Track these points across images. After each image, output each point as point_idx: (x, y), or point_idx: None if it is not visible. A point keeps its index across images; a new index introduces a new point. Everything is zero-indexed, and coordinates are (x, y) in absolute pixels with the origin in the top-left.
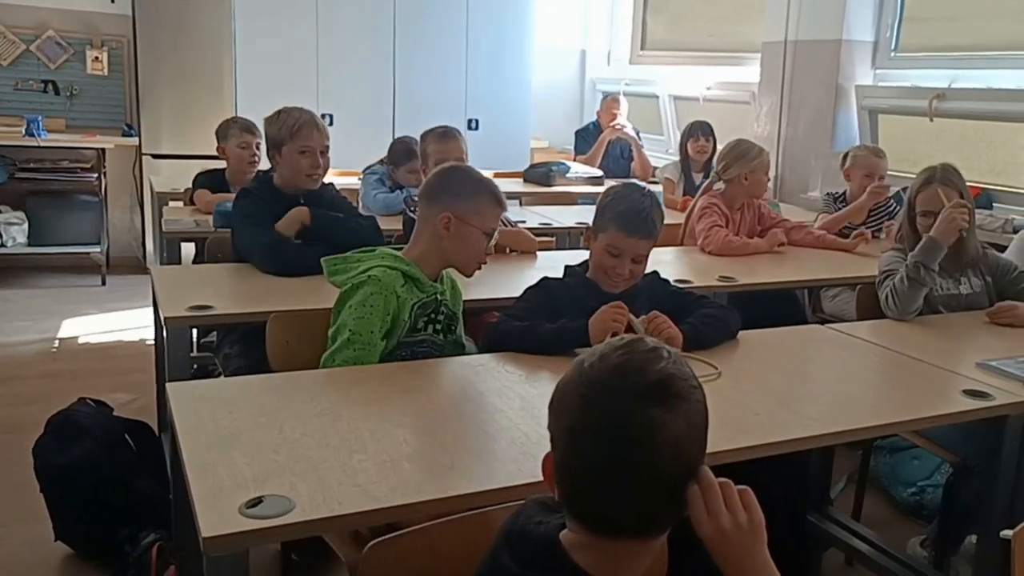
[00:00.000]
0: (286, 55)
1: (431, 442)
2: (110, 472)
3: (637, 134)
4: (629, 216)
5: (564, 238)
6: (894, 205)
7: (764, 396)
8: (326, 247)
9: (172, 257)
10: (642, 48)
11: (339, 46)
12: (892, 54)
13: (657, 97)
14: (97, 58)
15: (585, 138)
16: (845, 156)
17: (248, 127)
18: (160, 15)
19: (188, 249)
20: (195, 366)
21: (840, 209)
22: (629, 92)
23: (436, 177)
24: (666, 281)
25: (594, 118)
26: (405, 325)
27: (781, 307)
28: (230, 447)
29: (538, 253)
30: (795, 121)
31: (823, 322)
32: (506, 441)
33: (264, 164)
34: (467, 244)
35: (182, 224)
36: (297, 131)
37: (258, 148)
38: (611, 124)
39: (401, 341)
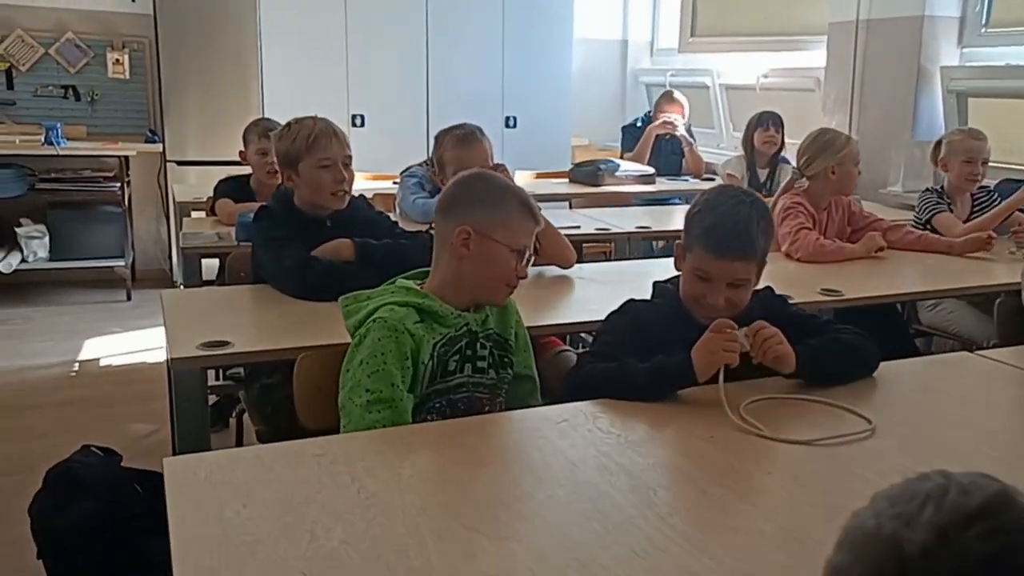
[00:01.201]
0: (314, 53)
1: (520, 551)
2: (117, 534)
3: (688, 129)
4: (718, 232)
5: (623, 244)
6: (997, 198)
7: (941, 463)
8: (370, 271)
9: (191, 274)
10: (692, 35)
11: (369, 43)
12: (982, 30)
13: (707, 87)
14: (118, 60)
15: (633, 134)
16: (937, 145)
17: (263, 131)
18: (182, 14)
19: (212, 264)
20: (215, 398)
21: (948, 205)
22: (676, 83)
23: (453, 187)
24: (783, 299)
25: (641, 114)
26: (427, 369)
27: (881, 319)
28: (242, 566)
29: (592, 264)
30: (870, 109)
31: (920, 334)
32: (623, 548)
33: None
34: (491, 264)
35: (203, 238)
36: (314, 142)
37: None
38: (664, 122)
39: (431, 390)
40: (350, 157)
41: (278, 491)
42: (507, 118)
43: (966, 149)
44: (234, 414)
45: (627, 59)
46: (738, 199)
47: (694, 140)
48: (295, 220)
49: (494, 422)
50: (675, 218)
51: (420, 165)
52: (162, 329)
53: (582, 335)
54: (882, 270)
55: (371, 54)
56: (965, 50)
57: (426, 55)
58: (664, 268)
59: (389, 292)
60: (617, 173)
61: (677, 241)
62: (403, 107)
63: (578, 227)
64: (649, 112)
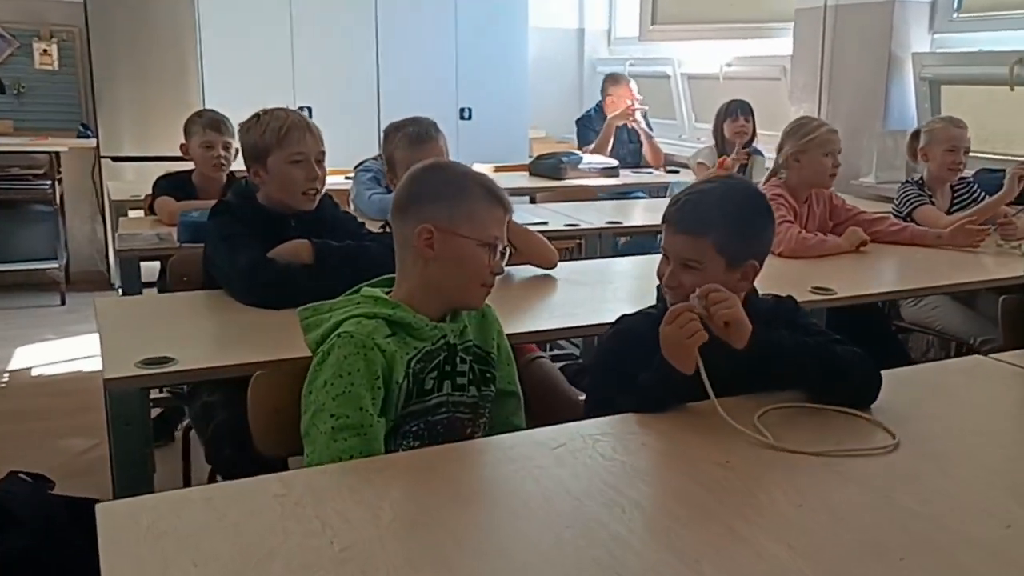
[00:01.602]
0: (257, 42)
1: None
2: (50, 570)
3: (645, 118)
4: (673, 204)
5: (593, 241)
6: (976, 188)
7: (971, 477)
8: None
9: (130, 279)
10: (653, 23)
11: (316, 32)
12: (954, 15)
13: (668, 77)
14: (46, 51)
15: (588, 126)
16: (915, 135)
17: (214, 123)
18: (115, 1)
19: (152, 267)
20: (156, 411)
21: (929, 197)
22: (636, 72)
23: (407, 183)
24: (797, 310)
25: (593, 105)
26: (401, 389)
27: (862, 317)
28: None
29: (568, 264)
30: (839, 98)
31: (901, 331)
32: None
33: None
34: (461, 263)
35: (142, 239)
36: (286, 135)
37: (226, 148)
38: (627, 109)
39: (406, 411)
40: (323, 153)
41: (234, 543)
42: (462, 109)
43: (948, 137)
44: (180, 428)
45: (584, 48)
46: (714, 182)
47: (652, 130)
48: (256, 217)
49: (482, 449)
50: (644, 212)
51: (375, 159)
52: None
53: (560, 342)
54: (869, 265)
55: (318, 43)
56: (936, 36)
57: (376, 44)
58: (651, 265)
59: (354, 303)
60: (580, 166)
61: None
62: (352, 99)
63: (545, 223)
64: (600, 103)
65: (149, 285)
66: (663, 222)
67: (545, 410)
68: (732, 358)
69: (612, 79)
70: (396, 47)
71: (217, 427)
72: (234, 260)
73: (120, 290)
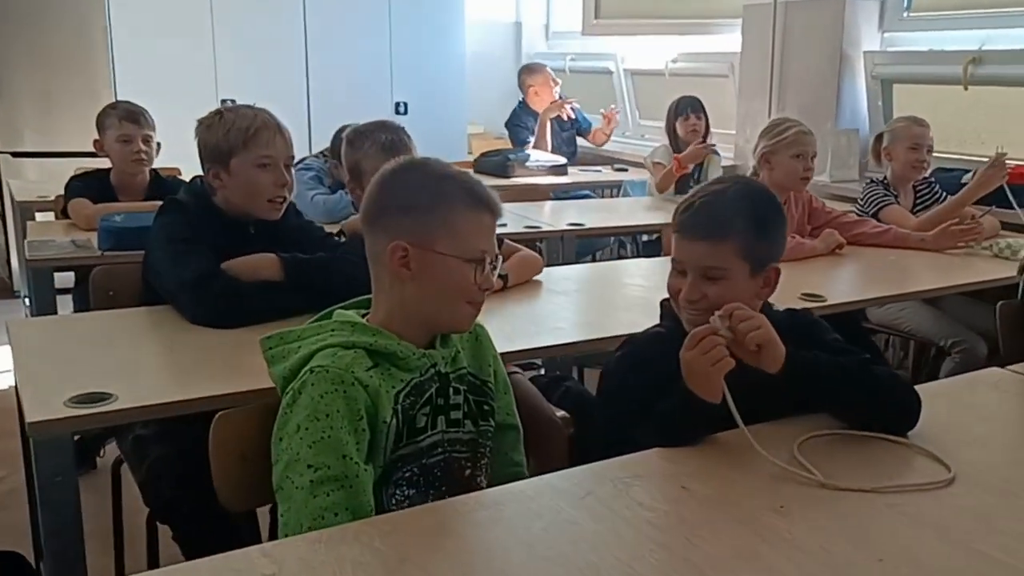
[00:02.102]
0: (175, 28)
1: None
2: None
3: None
4: (686, 209)
5: (555, 244)
6: (938, 188)
7: None
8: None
9: (44, 295)
10: (596, 17)
11: (239, 18)
12: (904, 14)
13: (611, 73)
14: None
15: (520, 124)
16: (879, 137)
17: (131, 114)
18: None
19: (65, 277)
20: (78, 437)
21: (895, 197)
22: (576, 68)
23: (375, 189)
24: (816, 324)
25: (516, 102)
26: (390, 429)
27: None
28: None
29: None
30: (790, 95)
31: (868, 332)
32: None
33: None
34: (443, 283)
35: (56, 247)
36: (254, 136)
37: (146, 143)
38: (556, 104)
39: (397, 455)
40: (292, 158)
41: None
42: (397, 104)
43: (911, 135)
44: (102, 452)
45: (521, 43)
46: (725, 181)
47: (588, 123)
48: (211, 221)
49: (499, 501)
50: (601, 213)
51: (316, 156)
52: (6, 348)
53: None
54: (852, 269)
55: (242, 31)
56: (887, 35)
57: (304, 33)
58: (643, 269)
59: (326, 330)
60: (528, 164)
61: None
62: (280, 91)
63: (503, 225)
64: (522, 99)
65: (63, 292)
66: (676, 231)
67: (525, 431)
68: (760, 381)
69: (528, 71)
70: (327, 37)
71: (153, 465)
72: (181, 270)
73: (26, 300)
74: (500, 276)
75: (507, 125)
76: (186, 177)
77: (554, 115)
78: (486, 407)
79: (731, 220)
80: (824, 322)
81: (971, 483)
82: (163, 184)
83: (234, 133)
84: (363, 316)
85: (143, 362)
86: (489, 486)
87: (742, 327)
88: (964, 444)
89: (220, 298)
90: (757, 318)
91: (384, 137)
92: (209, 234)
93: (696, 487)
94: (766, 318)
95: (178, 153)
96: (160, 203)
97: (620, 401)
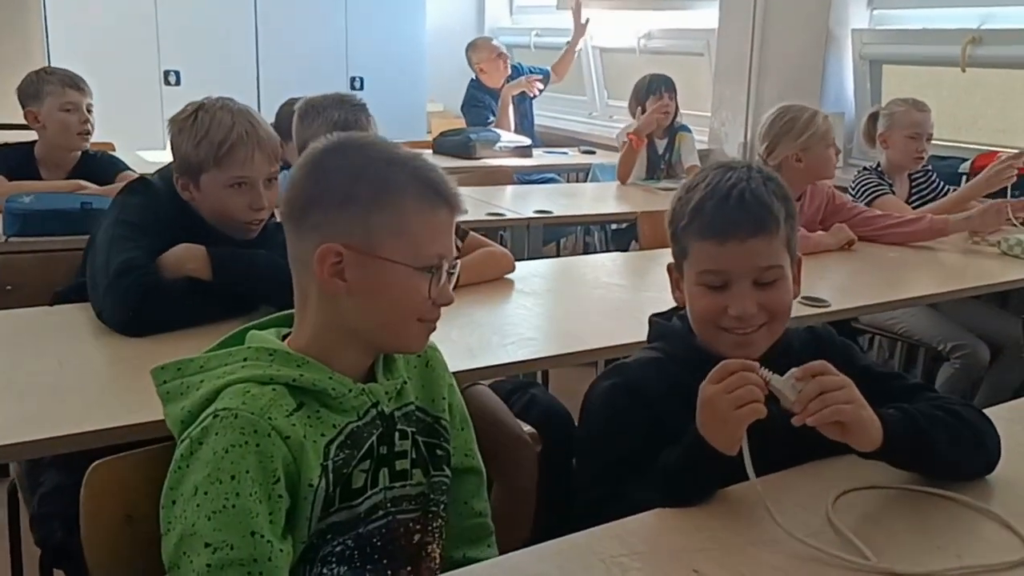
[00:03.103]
0: None
1: None
2: None
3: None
4: (715, 205)
5: (521, 233)
6: (937, 180)
7: None
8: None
9: None
10: None
11: None
12: None
13: (579, 50)
14: None
15: (478, 104)
16: (874, 117)
17: (74, 80)
18: None
19: None
20: None
21: (889, 186)
22: (542, 44)
23: (302, 175)
24: (846, 344)
25: (469, 79)
26: (317, 494)
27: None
28: None
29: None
30: (771, 76)
31: (859, 333)
32: None
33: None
34: (389, 299)
35: None
36: (227, 154)
37: (91, 111)
38: (513, 83)
39: (326, 524)
40: (276, 173)
41: None
42: (352, 79)
43: (911, 123)
44: None
45: (484, 17)
46: (728, 166)
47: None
48: (180, 212)
49: None
50: (569, 199)
51: None
52: None
53: None
54: (851, 270)
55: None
56: (876, 12)
57: (254, 2)
58: (618, 265)
59: (238, 359)
60: (491, 143)
61: (669, 263)
62: (228, 63)
63: (464, 211)
64: (474, 78)
65: None
66: (707, 235)
67: (487, 447)
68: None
69: (472, 47)
70: (278, 7)
71: (45, 499)
72: (113, 256)
73: None
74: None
75: (463, 108)
76: (120, 154)
77: (517, 92)
78: (440, 452)
79: (774, 206)
80: (855, 346)
81: None
82: (94, 161)
83: (205, 146)
84: (284, 338)
85: (16, 380)
86: (442, 555)
87: (826, 396)
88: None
89: (136, 292)
90: (846, 385)
91: (337, 115)
92: (175, 229)
93: (711, 570)
94: (853, 384)
95: (113, 127)
96: (79, 182)
97: (608, 448)
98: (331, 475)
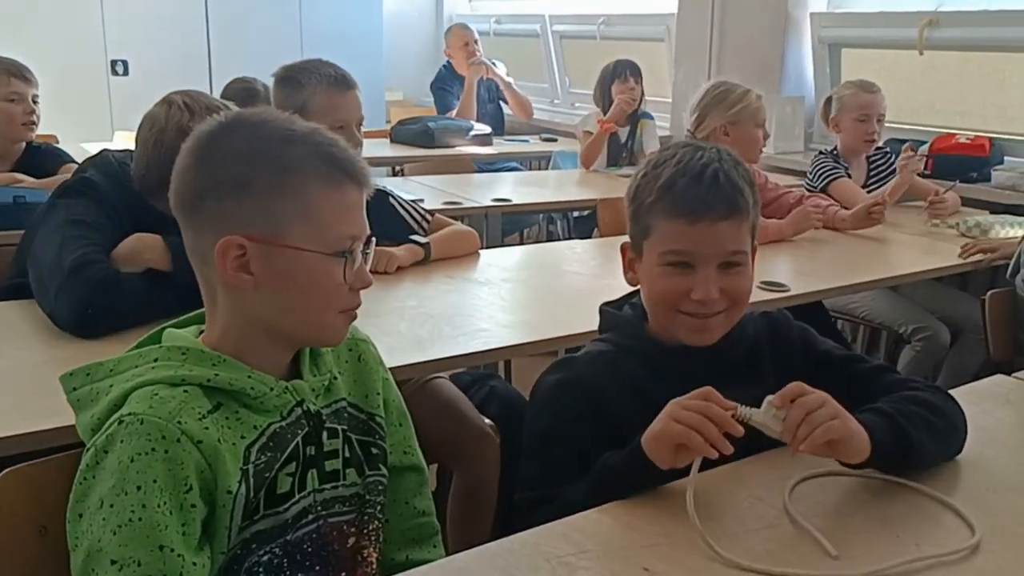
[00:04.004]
0: None
1: None
2: None
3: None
4: (686, 183)
5: (479, 222)
6: (893, 158)
7: None
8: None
9: None
10: None
11: None
12: None
13: (538, 36)
14: None
15: (445, 87)
16: (827, 102)
17: (17, 68)
18: None
19: None
20: None
21: (845, 170)
22: (501, 31)
23: (191, 161)
24: (803, 328)
25: (442, 64)
26: (236, 501)
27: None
28: None
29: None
30: (730, 61)
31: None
32: None
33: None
34: (302, 291)
35: None
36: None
37: (36, 102)
38: (471, 61)
39: (251, 533)
40: None
41: None
42: None
43: (859, 105)
44: None
45: (442, 4)
46: (696, 145)
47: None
48: (128, 207)
49: None
50: (527, 188)
51: None
52: None
53: None
54: (809, 254)
55: None
56: None
57: None
58: (578, 253)
59: (149, 360)
60: (450, 131)
61: (623, 242)
62: (178, 52)
63: (421, 200)
64: (448, 61)
65: None
66: (678, 214)
67: (449, 443)
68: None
69: (448, 33)
70: None
71: None
72: (66, 254)
73: None
74: (421, 245)
75: (432, 87)
76: (63, 146)
77: (477, 76)
78: (375, 450)
79: (744, 190)
80: (811, 330)
81: (997, 547)
82: (39, 153)
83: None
84: (200, 335)
85: None
86: (379, 559)
87: (811, 419)
88: (980, 484)
89: (94, 288)
90: (828, 405)
91: (332, 72)
92: (127, 225)
93: (663, 568)
94: (832, 400)
95: (56, 119)
96: (15, 175)
97: (549, 448)
98: (252, 480)
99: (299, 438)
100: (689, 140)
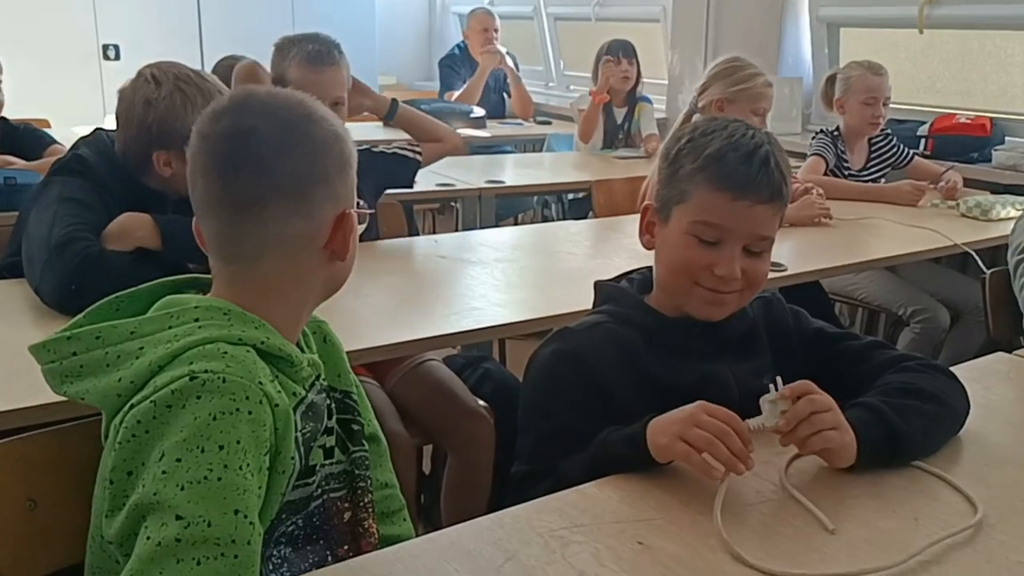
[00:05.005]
0: None
1: None
2: None
3: (515, 61)
4: (736, 158)
5: (472, 203)
6: (897, 144)
7: None
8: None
9: None
10: None
11: None
12: None
13: (532, 18)
14: None
15: (454, 67)
16: (830, 81)
17: None
18: None
19: None
20: None
21: (842, 151)
22: (495, 13)
23: (302, 151)
24: (798, 315)
25: (456, 43)
26: (296, 468)
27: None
28: None
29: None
30: (726, 42)
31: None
32: None
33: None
34: (351, 250)
35: None
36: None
37: None
38: (486, 48)
39: (283, 503)
40: None
41: None
42: None
43: (867, 87)
44: None
45: None
46: (746, 124)
47: (519, 72)
48: (121, 185)
49: (392, 560)
50: (519, 169)
51: None
52: None
53: None
54: (806, 233)
55: None
56: None
57: None
58: (572, 234)
59: (186, 320)
60: (444, 114)
61: (645, 203)
62: (170, 37)
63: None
64: (463, 42)
65: None
66: (724, 187)
67: (442, 424)
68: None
69: (470, 15)
70: None
71: None
72: (56, 230)
73: None
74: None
75: (441, 64)
76: (55, 131)
77: (492, 65)
78: (355, 426)
79: (787, 178)
80: (802, 311)
81: (1003, 523)
82: (18, 134)
83: (195, 118)
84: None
85: None
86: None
87: (814, 420)
88: (981, 460)
89: (79, 264)
90: (831, 411)
91: (311, 47)
92: (121, 204)
93: (655, 541)
94: (836, 406)
95: (49, 103)
96: (6, 157)
97: (545, 420)
98: (301, 448)
99: (326, 410)
100: (734, 118)
